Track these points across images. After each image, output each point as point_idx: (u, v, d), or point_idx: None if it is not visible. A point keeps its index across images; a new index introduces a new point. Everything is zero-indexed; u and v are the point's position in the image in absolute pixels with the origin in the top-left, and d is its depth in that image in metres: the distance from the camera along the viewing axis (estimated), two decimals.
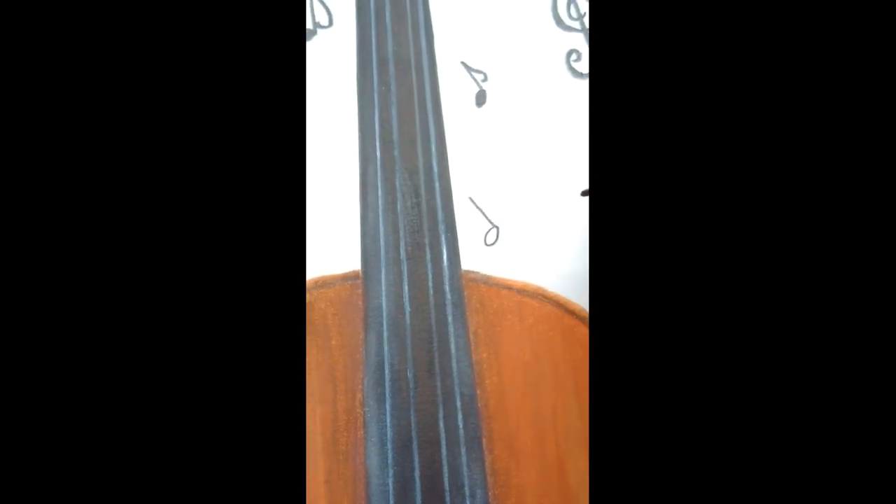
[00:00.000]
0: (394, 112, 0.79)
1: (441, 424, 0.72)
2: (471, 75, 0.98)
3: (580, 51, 0.99)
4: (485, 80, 0.99)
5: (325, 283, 0.77)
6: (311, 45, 0.89)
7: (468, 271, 0.77)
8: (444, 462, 0.72)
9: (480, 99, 0.99)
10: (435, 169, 0.79)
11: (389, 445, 0.71)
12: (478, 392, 0.74)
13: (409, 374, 0.73)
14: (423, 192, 0.78)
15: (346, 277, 0.77)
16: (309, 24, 0.90)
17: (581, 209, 0.95)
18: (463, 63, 0.98)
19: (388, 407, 0.72)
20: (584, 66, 0.98)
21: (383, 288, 0.75)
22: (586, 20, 0.99)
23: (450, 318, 0.75)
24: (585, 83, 0.98)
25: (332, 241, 0.83)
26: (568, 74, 0.98)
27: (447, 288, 0.76)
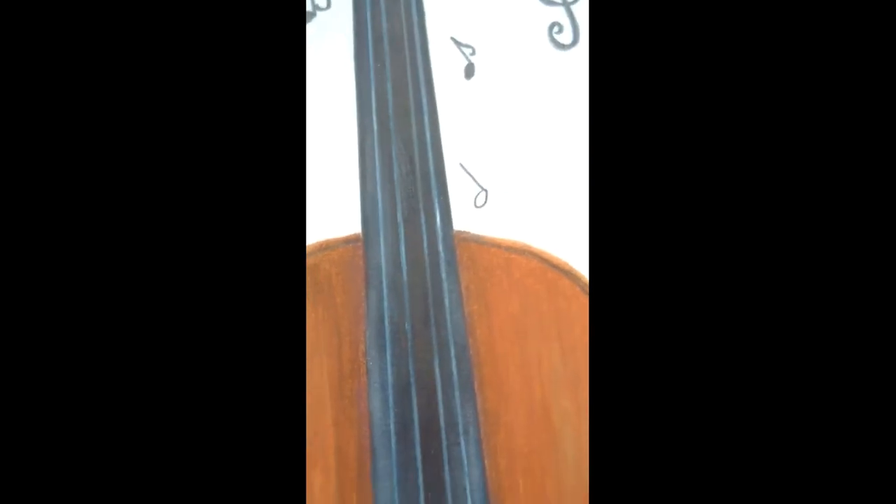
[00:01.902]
0: (389, 86, 0.80)
1: (437, 371, 0.75)
2: (460, 50, 0.98)
3: (562, 24, 0.99)
4: (473, 53, 0.99)
5: (328, 245, 0.79)
6: (310, 27, 0.91)
7: (460, 231, 0.79)
8: (440, 404, 0.74)
9: (469, 72, 0.99)
10: (428, 138, 0.80)
11: (390, 390, 0.74)
12: (470, 341, 0.77)
13: (407, 327, 0.76)
14: (417, 159, 0.80)
15: (348, 240, 0.79)
16: (308, 7, 0.92)
17: (563, 172, 0.96)
18: (452, 38, 0.98)
19: (388, 356, 0.75)
20: (566, 38, 0.98)
21: (382, 249, 0.77)
22: None
23: (443, 275, 0.77)
24: (567, 54, 0.98)
25: (335, 207, 0.84)
26: (550, 46, 0.98)
27: (441, 247, 0.78)
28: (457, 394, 0.75)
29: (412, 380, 0.75)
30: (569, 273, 0.79)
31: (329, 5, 0.92)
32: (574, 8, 1.00)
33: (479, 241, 0.80)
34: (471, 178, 0.97)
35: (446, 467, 0.73)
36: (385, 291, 0.76)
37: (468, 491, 0.73)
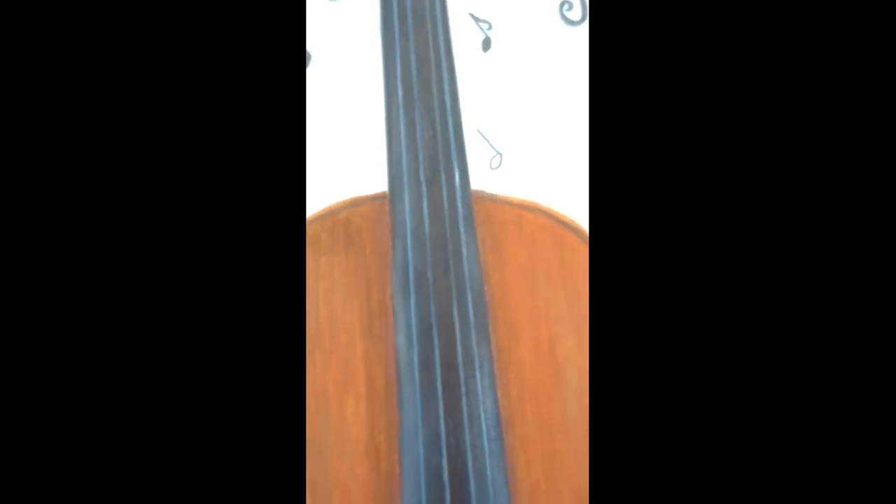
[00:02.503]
0: (412, 58, 0.84)
1: (455, 313, 0.80)
2: (478, 25, 1.04)
3: (571, 2, 1.04)
4: (490, 28, 1.04)
5: (359, 202, 0.84)
6: (341, 6, 0.96)
7: (476, 190, 0.84)
8: (458, 342, 0.79)
9: (486, 45, 1.05)
10: (448, 105, 0.84)
11: (414, 330, 0.79)
12: (485, 287, 0.81)
13: (429, 274, 0.80)
14: (438, 125, 0.83)
15: (376, 197, 0.84)
16: None
17: (570, 138, 1.02)
18: (471, 14, 1.04)
19: (412, 300, 0.80)
20: (575, 14, 1.03)
21: (406, 205, 0.82)
22: None
23: (461, 229, 0.82)
24: (576, 30, 1.03)
25: (364, 168, 0.89)
26: (561, 22, 1.04)
27: (459, 204, 0.82)
28: (473, 333, 0.80)
29: (433, 321, 0.79)
30: (574, 228, 0.84)
31: None
32: None
33: (494, 199, 0.84)
34: (487, 143, 1.04)
35: (464, 397, 0.78)
36: (409, 243, 0.81)
37: (483, 417, 0.78)
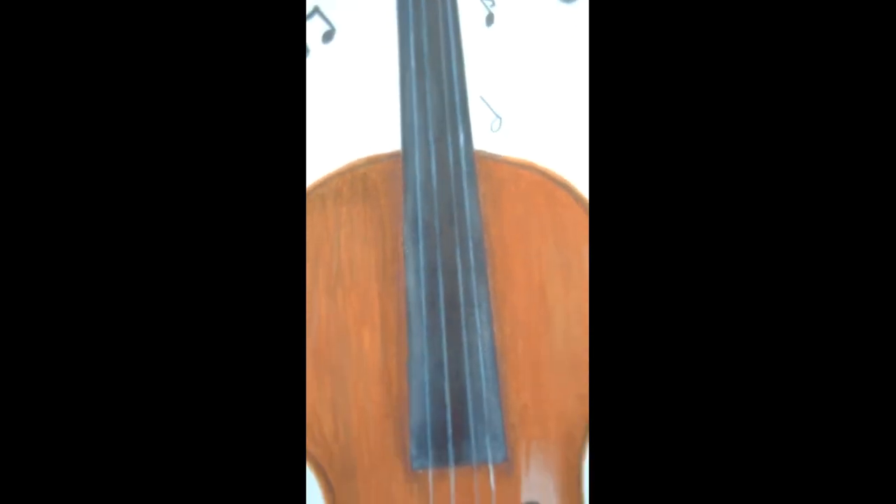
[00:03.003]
0: (424, 33, 0.90)
1: (458, 259, 0.86)
2: (482, 2, 1.10)
3: None
4: (493, 5, 1.10)
5: (376, 160, 0.91)
6: None
7: (479, 151, 0.89)
8: (460, 284, 0.86)
9: (489, 20, 1.11)
10: (455, 75, 0.90)
11: (422, 273, 0.86)
12: (484, 237, 0.88)
13: (436, 224, 0.87)
14: (445, 92, 0.89)
15: (391, 156, 0.90)
16: None
17: (563, 104, 1.07)
18: None
19: (420, 246, 0.87)
20: None
21: (417, 163, 0.87)
22: None
23: (465, 185, 0.87)
24: (571, 7, 1.10)
25: (380, 130, 0.94)
26: (557, 0, 1.10)
27: (463, 162, 0.88)
28: (473, 276, 0.86)
29: (439, 265, 0.86)
30: (565, 185, 0.90)
31: None
32: None
33: (494, 159, 0.90)
34: (489, 108, 1.09)
35: (464, 331, 0.85)
36: (419, 196, 0.87)
37: (480, 349, 0.85)
